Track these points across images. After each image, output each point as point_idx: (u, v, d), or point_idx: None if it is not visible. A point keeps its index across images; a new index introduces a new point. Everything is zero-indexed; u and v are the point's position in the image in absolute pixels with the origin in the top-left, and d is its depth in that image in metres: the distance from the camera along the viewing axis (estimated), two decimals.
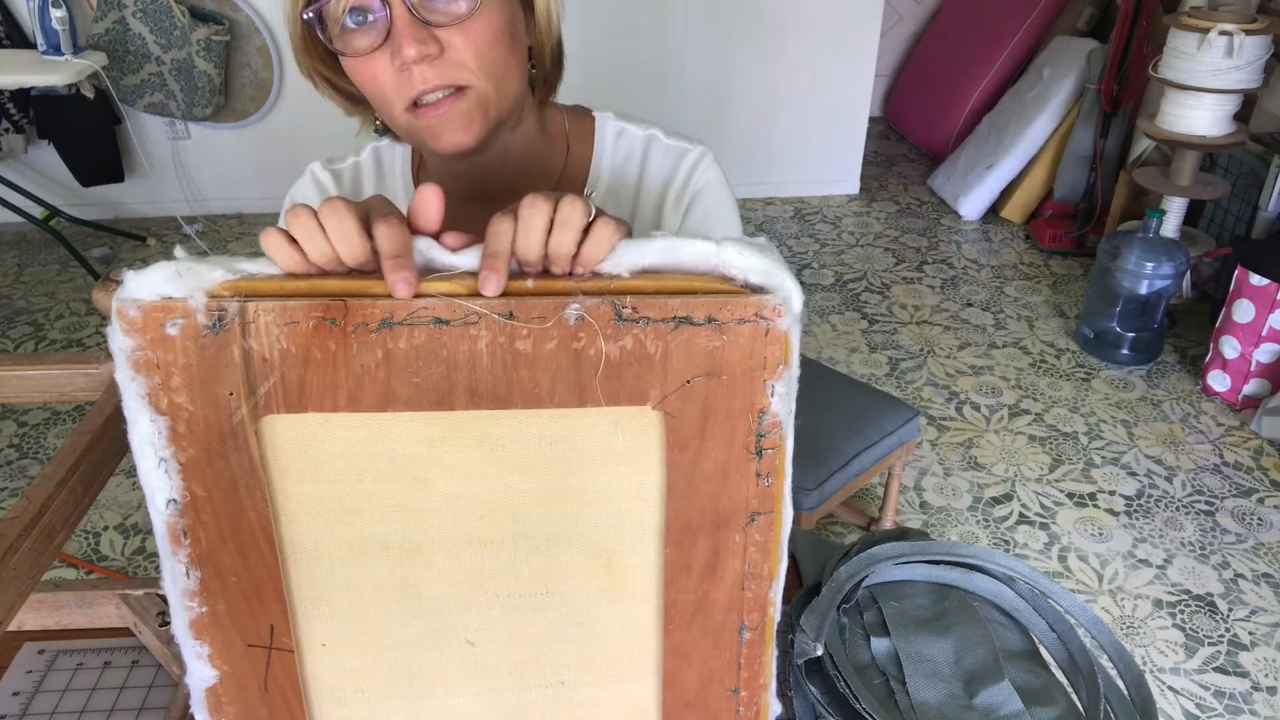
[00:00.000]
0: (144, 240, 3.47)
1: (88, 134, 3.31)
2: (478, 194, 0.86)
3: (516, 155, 0.84)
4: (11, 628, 0.87)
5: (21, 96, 3.25)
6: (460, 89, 0.73)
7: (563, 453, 0.54)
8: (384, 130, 0.85)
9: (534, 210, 0.50)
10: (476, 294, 0.49)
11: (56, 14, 2.88)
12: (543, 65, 0.83)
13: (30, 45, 3.16)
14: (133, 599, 0.86)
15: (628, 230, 0.53)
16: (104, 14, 3.15)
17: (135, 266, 0.50)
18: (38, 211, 3.30)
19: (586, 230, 0.51)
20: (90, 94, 3.10)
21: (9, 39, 3.19)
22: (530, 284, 0.50)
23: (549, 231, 0.50)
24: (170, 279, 0.48)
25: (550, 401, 0.51)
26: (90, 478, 0.63)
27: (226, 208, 3.69)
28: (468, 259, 0.51)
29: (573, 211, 0.50)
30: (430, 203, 0.51)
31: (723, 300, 0.50)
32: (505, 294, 0.50)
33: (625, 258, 0.51)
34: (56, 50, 2.94)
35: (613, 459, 0.54)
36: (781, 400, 0.52)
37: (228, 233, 3.57)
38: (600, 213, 0.52)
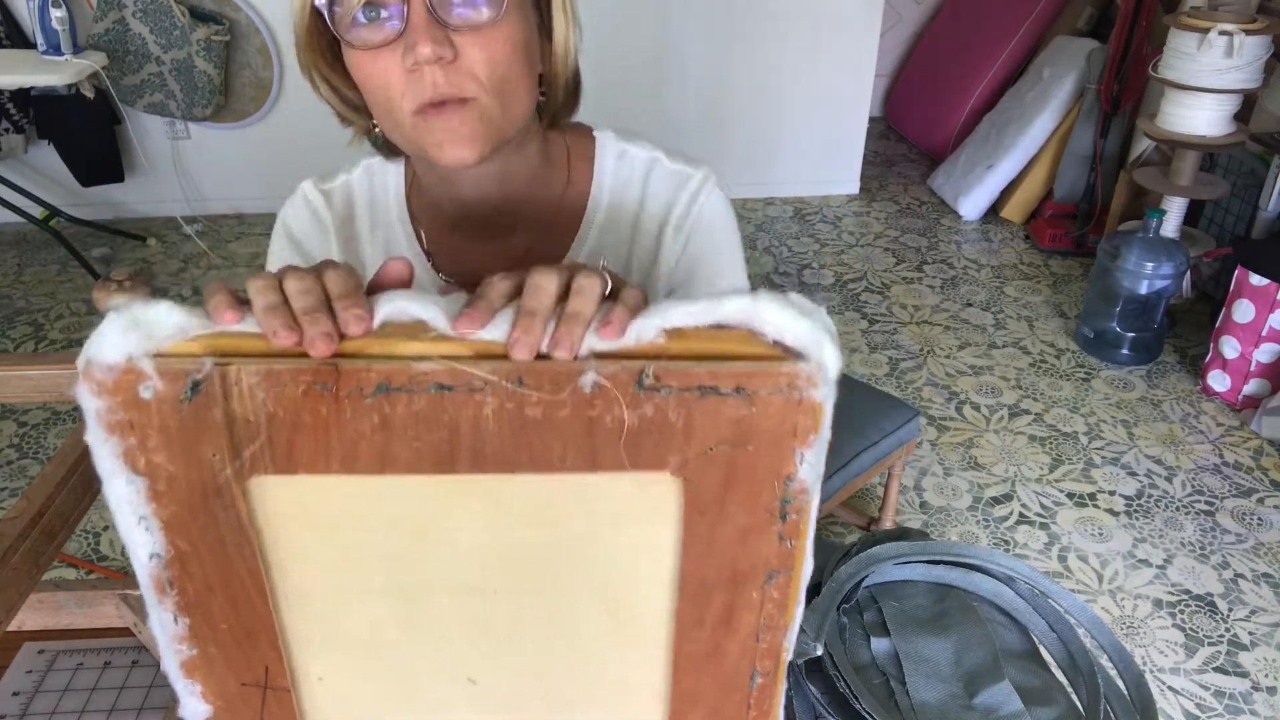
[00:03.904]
0: (144, 240, 3.46)
1: (88, 134, 3.31)
2: (474, 216, 0.84)
3: (516, 178, 0.82)
4: (11, 628, 0.87)
5: (21, 96, 3.24)
6: (465, 101, 0.71)
7: (572, 511, 0.50)
8: (378, 142, 0.83)
9: (544, 276, 0.46)
10: (481, 357, 0.45)
11: (56, 14, 2.88)
12: (554, 95, 0.81)
13: (30, 45, 3.16)
14: (133, 599, 0.86)
15: (644, 298, 0.49)
16: (104, 14, 3.14)
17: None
18: (38, 211, 3.30)
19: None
20: (90, 94, 3.10)
21: (9, 39, 3.18)
22: (543, 347, 0.45)
23: (560, 299, 0.46)
24: (128, 331, 0.43)
25: (561, 466, 0.47)
26: (90, 478, 0.63)
27: (226, 208, 3.69)
28: (491, 329, 0.46)
29: (589, 281, 0.46)
30: (396, 274, 0.49)
31: (752, 369, 0.45)
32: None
33: (654, 321, 0.46)
34: (56, 50, 2.93)
35: (626, 518, 0.51)
36: (811, 468, 0.48)
37: (228, 233, 3.57)
38: (623, 283, 0.48)
